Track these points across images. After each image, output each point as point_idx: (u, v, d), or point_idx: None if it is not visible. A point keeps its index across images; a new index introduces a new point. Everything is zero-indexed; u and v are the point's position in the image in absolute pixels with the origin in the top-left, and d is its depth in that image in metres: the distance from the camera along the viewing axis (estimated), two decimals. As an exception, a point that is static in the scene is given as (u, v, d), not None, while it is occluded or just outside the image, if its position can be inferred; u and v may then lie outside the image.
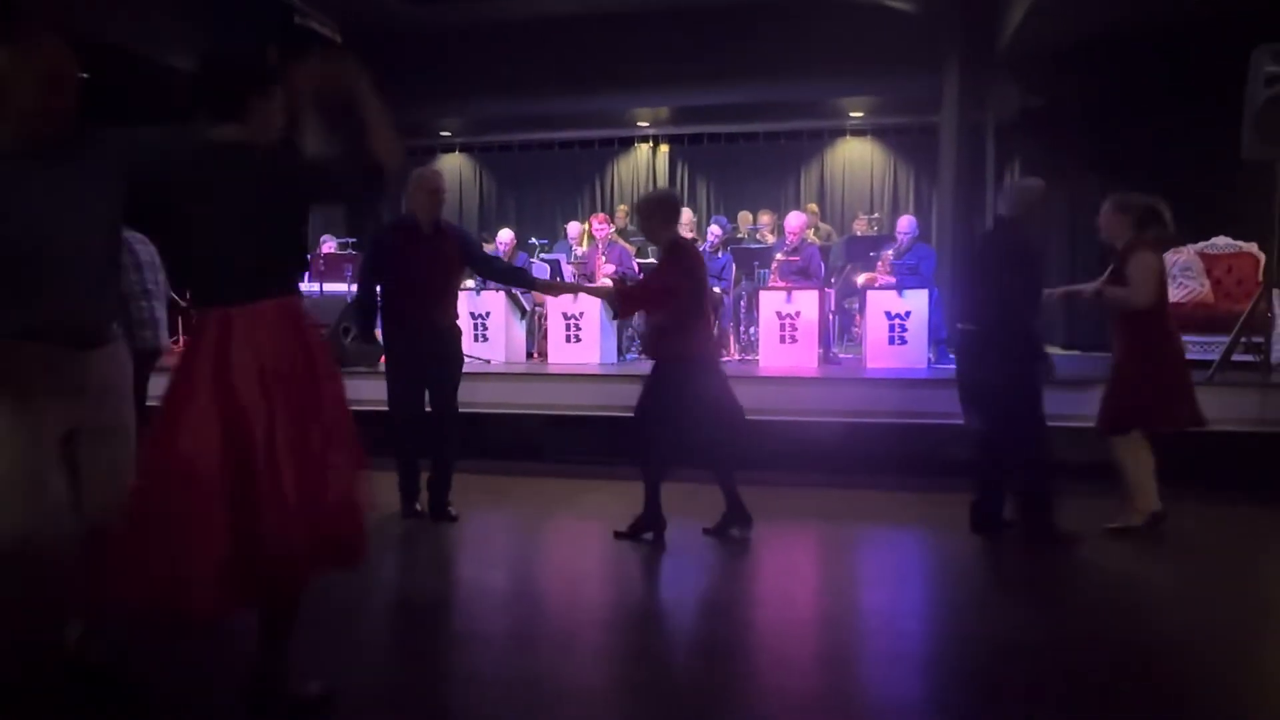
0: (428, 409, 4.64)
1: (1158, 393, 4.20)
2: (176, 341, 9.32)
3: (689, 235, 9.34)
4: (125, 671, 2.46)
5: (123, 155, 2.30)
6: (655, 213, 4.26)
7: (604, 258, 8.49)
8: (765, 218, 9.94)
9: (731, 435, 4.32)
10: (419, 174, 4.70)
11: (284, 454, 2.16)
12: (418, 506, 4.68)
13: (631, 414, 4.37)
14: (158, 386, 5.85)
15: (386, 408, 4.56)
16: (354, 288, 8.16)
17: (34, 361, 2.20)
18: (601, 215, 9.04)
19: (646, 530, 4.27)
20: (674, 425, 4.18)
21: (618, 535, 4.33)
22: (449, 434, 4.64)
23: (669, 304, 4.14)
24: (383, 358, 4.98)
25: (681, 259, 4.19)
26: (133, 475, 2.35)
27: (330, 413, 2.28)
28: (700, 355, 4.24)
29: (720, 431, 4.29)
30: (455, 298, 4.74)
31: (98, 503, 2.31)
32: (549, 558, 4.42)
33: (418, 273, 4.47)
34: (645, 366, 7.61)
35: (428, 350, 4.52)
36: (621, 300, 4.55)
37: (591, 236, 8.81)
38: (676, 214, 4.36)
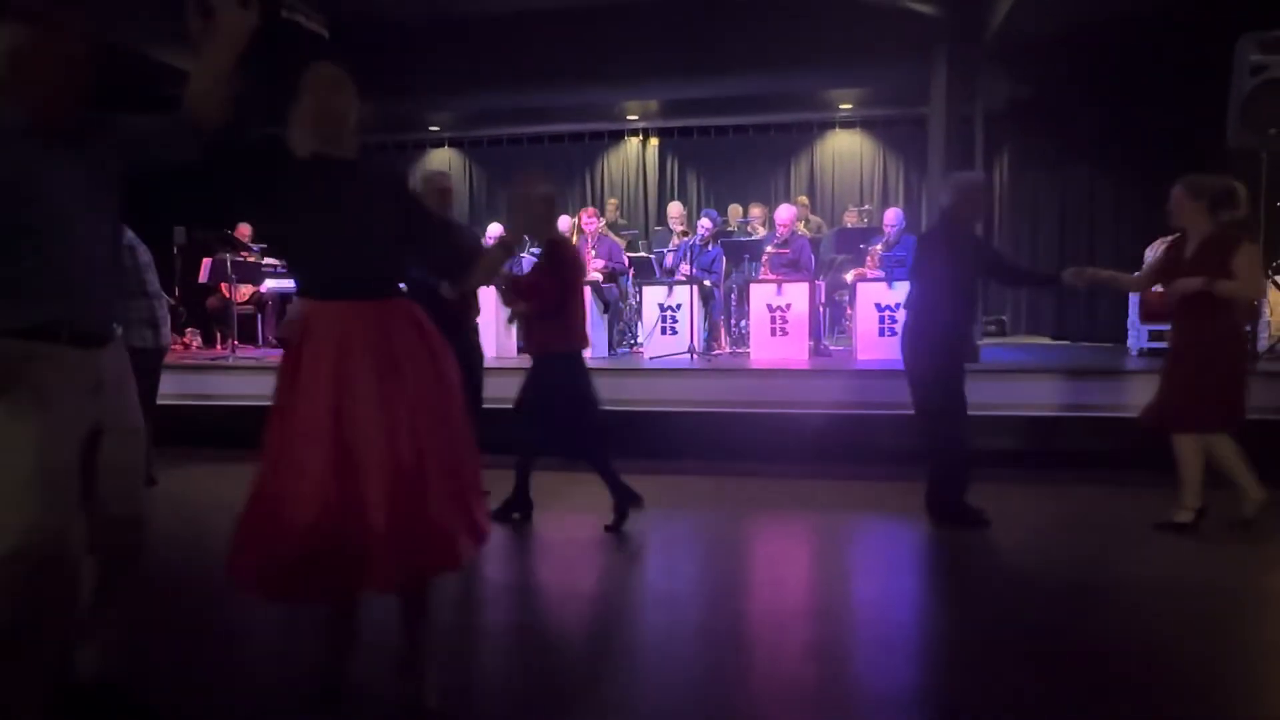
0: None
1: (1238, 387, 4.15)
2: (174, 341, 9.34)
3: (679, 229, 9.38)
4: (132, 688, 2.43)
5: (124, 143, 2.24)
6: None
7: (594, 252, 8.48)
8: (756, 210, 9.94)
9: (601, 425, 4.53)
10: (428, 174, 4.78)
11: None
12: None
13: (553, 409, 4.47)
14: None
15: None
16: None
17: (49, 361, 2.13)
18: (591, 209, 9.03)
19: (515, 511, 4.57)
20: (554, 417, 4.36)
21: (608, 529, 4.42)
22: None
23: (547, 300, 4.27)
24: None
25: (561, 256, 4.35)
26: (141, 478, 2.40)
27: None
28: (575, 349, 4.42)
29: (592, 422, 4.46)
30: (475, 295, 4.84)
31: (116, 502, 2.29)
32: (542, 550, 4.42)
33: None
34: (636, 360, 7.64)
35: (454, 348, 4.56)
36: (516, 290, 4.56)
37: (581, 230, 8.81)
38: (555, 209, 4.53)
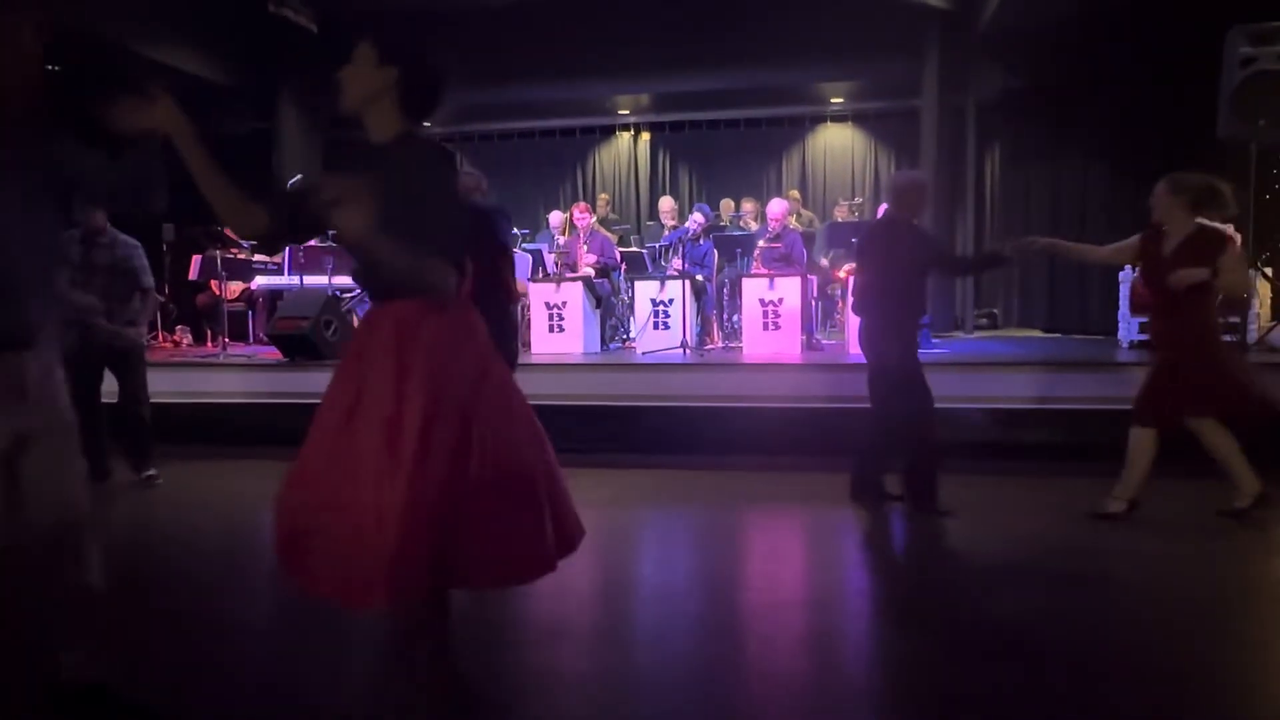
0: None
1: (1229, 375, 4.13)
2: (154, 338, 9.28)
3: (670, 223, 9.37)
4: (125, 687, 2.41)
5: (66, 152, 2.18)
6: None
7: (585, 247, 8.47)
8: (748, 205, 9.94)
9: None
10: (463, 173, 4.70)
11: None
12: None
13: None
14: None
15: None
16: (335, 280, 8.13)
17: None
18: (583, 204, 9.02)
19: None
20: None
21: None
22: None
23: None
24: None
25: None
26: (78, 479, 2.29)
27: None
28: None
29: None
30: None
31: (45, 510, 2.21)
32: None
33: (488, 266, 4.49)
34: (628, 355, 7.64)
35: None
36: None
37: (573, 225, 8.79)
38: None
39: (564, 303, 7.73)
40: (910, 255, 4.39)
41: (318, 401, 2.27)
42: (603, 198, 11.38)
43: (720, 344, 8.20)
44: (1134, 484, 4.24)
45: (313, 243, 9.69)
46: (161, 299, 9.31)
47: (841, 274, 8.19)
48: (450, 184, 2.28)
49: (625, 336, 8.58)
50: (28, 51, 2.11)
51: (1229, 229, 7.59)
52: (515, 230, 9.72)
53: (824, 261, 8.45)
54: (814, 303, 8.23)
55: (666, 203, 9.79)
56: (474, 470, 2.14)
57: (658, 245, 8.94)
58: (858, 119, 12.48)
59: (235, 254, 8.81)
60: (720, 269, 8.46)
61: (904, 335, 4.40)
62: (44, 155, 2.18)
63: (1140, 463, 4.22)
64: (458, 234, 2.22)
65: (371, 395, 2.15)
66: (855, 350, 7.24)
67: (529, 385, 7.42)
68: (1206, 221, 4.21)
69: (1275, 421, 4.05)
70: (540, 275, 8.21)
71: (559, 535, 2.31)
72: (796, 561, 4.13)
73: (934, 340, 6.81)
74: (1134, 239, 4.32)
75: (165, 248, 9.15)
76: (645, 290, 7.86)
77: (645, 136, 13.20)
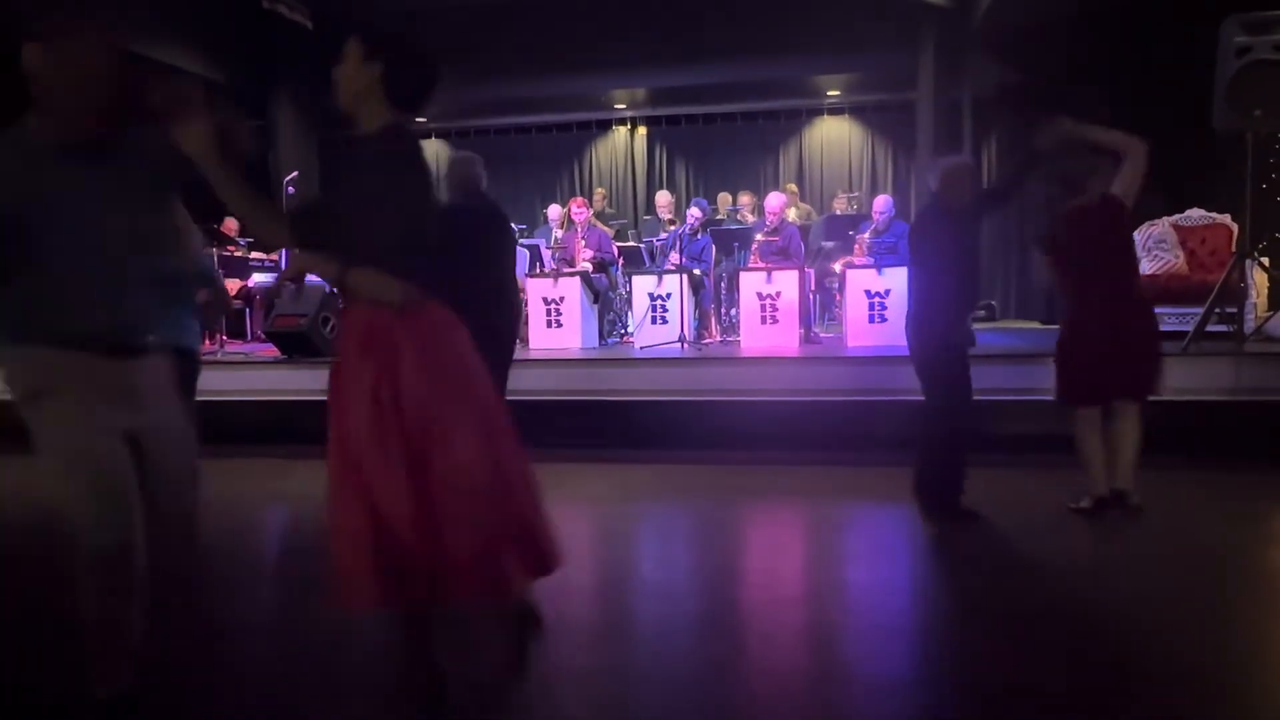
0: None
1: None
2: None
3: (667, 217, 9.36)
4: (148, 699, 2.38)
5: (170, 158, 2.21)
6: None
7: (583, 241, 8.47)
8: (745, 198, 9.93)
9: None
10: (459, 156, 4.70)
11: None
12: None
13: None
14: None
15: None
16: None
17: (77, 370, 2.17)
18: (580, 199, 9.01)
19: None
20: None
21: None
22: None
23: None
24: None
25: None
26: (189, 474, 2.42)
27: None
28: None
29: None
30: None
31: (159, 502, 2.32)
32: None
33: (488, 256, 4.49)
34: (626, 350, 7.64)
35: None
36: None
37: (571, 220, 8.79)
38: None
39: (561, 298, 7.73)
40: (972, 233, 4.19)
41: (315, 399, 2.29)
42: (599, 192, 11.36)
43: (718, 338, 8.20)
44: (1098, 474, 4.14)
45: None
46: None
47: (837, 267, 8.20)
48: (414, 187, 2.20)
49: (623, 331, 8.58)
50: (112, 65, 2.18)
51: (1226, 219, 7.65)
52: (511, 225, 9.74)
53: (827, 244, 8.41)
54: (812, 296, 8.24)
55: (663, 197, 9.78)
56: (436, 484, 2.13)
57: (655, 241, 8.94)
58: (854, 112, 12.47)
59: (232, 252, 8.80)
60: (718, 263, 8.46)
61: (961, 327, 4.20)
62: (148, 164, 2.25)
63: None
64: (414, 238, 2.18)
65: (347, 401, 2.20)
66: (853, 343, 7.27)
67: (527, 381, 7.50)
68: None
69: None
70: (538, 270, 8.21)
71: (532, 557, 2.27)
72: (796, 556, 4.14)
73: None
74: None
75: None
76: (643, 285, 7.86)
77: (642, 131, 13.19)
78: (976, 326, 10.04)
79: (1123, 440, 4.08)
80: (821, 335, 8.14)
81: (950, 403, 4.15)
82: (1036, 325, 10.38)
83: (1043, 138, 4.15)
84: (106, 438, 2.16)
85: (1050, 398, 4.32)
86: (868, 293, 7.27)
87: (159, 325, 2.32)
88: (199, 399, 3.51)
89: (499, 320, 4.35)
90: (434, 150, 13.48)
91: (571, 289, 7.76)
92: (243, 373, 7.00)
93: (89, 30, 2.14)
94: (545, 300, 7.76)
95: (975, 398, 4.24)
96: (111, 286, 2.19)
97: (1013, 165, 4.51)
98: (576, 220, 8.58)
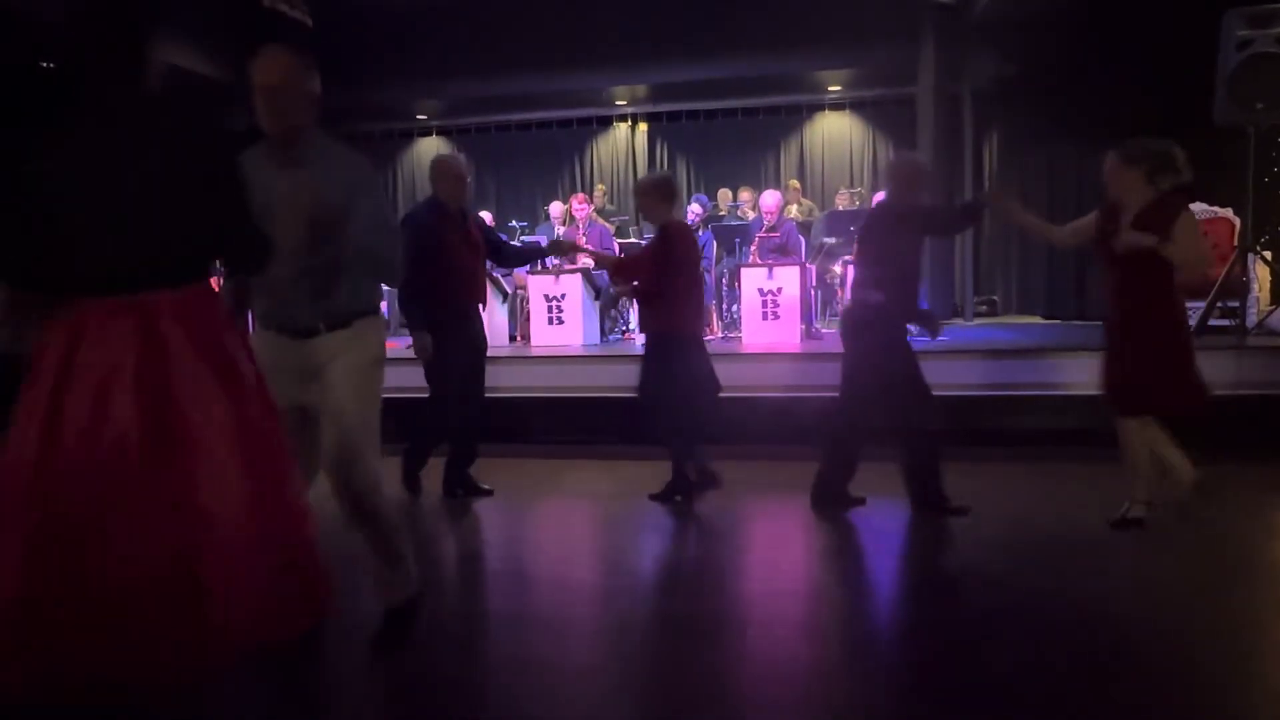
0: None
1: (1179, 368, 3.76)
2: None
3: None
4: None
5: (346, 168, 2.51)
6: (652, 192, 4.52)
7: (584, 238, 8.46)
8: (745, 194, 9.91)
9: (706, 410, 4.58)
10: (445, 159, 4.67)
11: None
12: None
13: (636, 395, 4.63)
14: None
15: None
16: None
17: (265, 343, 2.48)
18: (581, 195, 9.01)
19: (676, 493, 4.60)
20: (681, 398, 4.41)
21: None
22: (481, 414, 4.80)
23: (663, 280, 4.35)
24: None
25: (669, 239, 4.41)
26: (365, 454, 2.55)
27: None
28: (692, 331, 4.52)
29: (700, 406, 4.52)
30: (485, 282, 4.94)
31: (333, 474, 2.55)
32: (539, 536, 4.44)
33: (460, 258, 4.49)
34: (627, 347, 7.63)
35: (472, 334, 4.63)
36: (618, 269, 4.88)
37: (572, 217, 8.79)
38: (673, 195, 4.56)
39: (563, 295, 7.73)
40: (912, 237, 4.27)
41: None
42: (599, 188, 11.36)
43: (719, 334, 8.20)
44: (1146, 481, 3.90)
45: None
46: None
47: (838, 268, 8.19)
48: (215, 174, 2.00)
49: (625, 328, 8.58)
50: (272, 76, 2.47)
51: (1228, 213, 7.64)
52: (513, 223, 9.73)
53: (829, 241, 8.40)
54: (813, 292, 8.23)
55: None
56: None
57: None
58: (855, 107, 12.45)
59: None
60: (719, 259, 8.45)
61: (895, 325, 4.28)
62: (328, 172, 2.47)
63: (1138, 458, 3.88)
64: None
65: None
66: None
67: (529, 378, 7.53)
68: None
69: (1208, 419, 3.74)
70: (539, 267, 8.21)
71: (300, 596, 1.99)
72: (798, 551, 4.14)
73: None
74: (1090, 216, 4.01)
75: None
76: (644, 281, 7.85)
77: (643, 127, 13.18)
78: (978, 321, 10.06)
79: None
80: (822, 331, 8.14)
81: (855, 401, 4.33)
82: (1038, 320, 10.38)
83: (989, 198, 4.40)
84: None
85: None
86: (869, 288, 7.25)
87: (327, 309, 2.54)
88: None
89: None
90: (434, 148, 13.49)
91: (573, 286, 7.76)
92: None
93: (277, 48, 2.49)
94: (547, 297, 7.76)
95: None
96: (284, 276, 2.40)
97: (960, 210, 4.69)
98: (578, 217, 8.57)
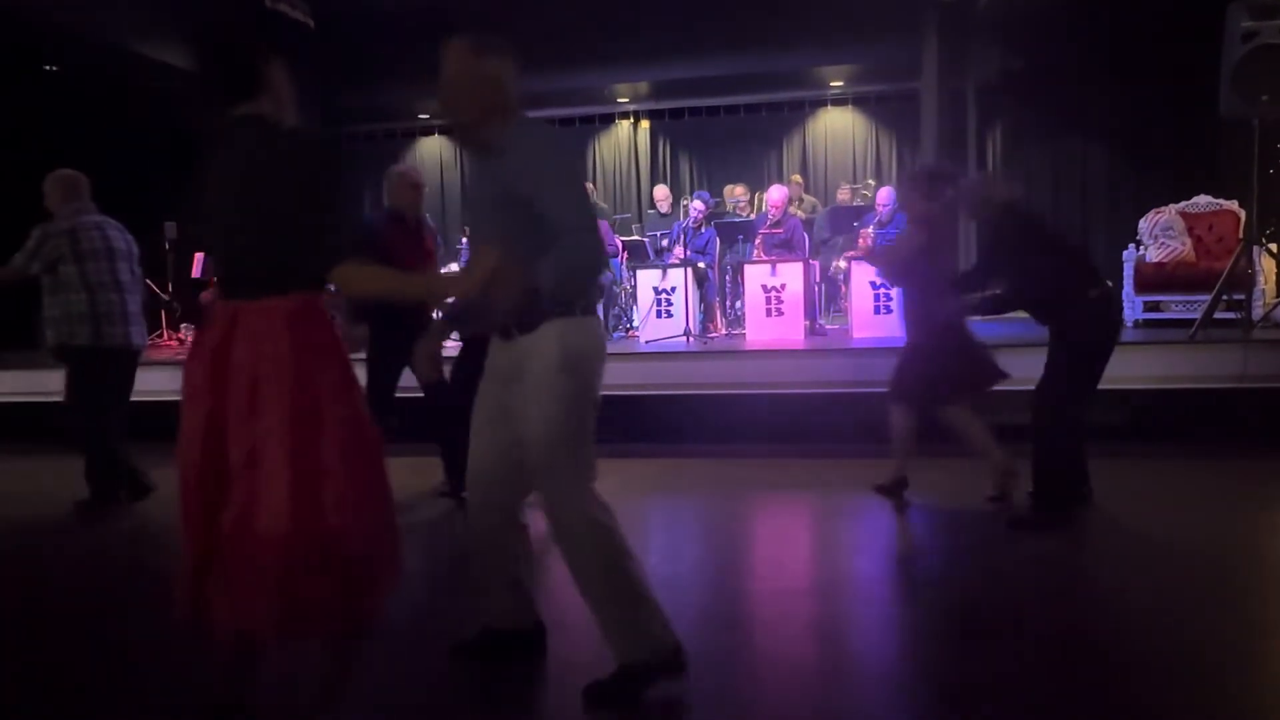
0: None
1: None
2: (159, 337, 9.28)
3: (666, 211, 9.35)
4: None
5: (535, 156, 2.39)
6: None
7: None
8: (739, 190, 9.91)
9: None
10: (400, 170, 4.78)
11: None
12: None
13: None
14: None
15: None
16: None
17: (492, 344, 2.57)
18: (581, 192, 9.00)
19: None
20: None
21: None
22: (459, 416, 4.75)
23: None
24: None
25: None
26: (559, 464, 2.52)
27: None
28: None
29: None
30: None
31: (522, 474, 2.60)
32: (538, 535, 4.43)
33: (409, 265, 4.49)
34: (634, 345, 7.63)
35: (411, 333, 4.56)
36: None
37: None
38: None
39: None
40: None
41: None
42: (588, 186, 11.35)
43: (723, 331, 8.19)
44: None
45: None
46: (165, 297, 9.34)
47: (842, 264, 8.18)
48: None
49: (628, 325, 8.57)
50: (448, 68, 2.53)
51: (1234, 205, 7.61)
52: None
53: (831, 238, 8.40)
54: (817, 288, 8.22)
55: (661, 191, 9.78)
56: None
57: (658, 235, 8.92)
58: (858, 102, 12.42)
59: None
60: (722, 256, 8.45)
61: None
62: (512, 165, 2.39)
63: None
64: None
65: None
66: (859, 335, 7.26)
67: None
68: None
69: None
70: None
71: (346, 604, 2.04)
72: (804, 548, 4.14)
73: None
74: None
75: (168, 246, 9.15)
76: (647, 278, 7.85)
77: (645, 124, 13.16)
78: (981, 316, 10.02)
79: None
80: (827, 327, 8.13)
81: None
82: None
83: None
84: (481, 401, 2.57)
85: None
86: (873, 284, 7.25)
87: (516, 309, 2.37)
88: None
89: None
90: (436, 147, 13.49)
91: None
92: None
93: (455, 41, 2.52)
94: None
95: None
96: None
97: (990, 298, 4.53)
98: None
